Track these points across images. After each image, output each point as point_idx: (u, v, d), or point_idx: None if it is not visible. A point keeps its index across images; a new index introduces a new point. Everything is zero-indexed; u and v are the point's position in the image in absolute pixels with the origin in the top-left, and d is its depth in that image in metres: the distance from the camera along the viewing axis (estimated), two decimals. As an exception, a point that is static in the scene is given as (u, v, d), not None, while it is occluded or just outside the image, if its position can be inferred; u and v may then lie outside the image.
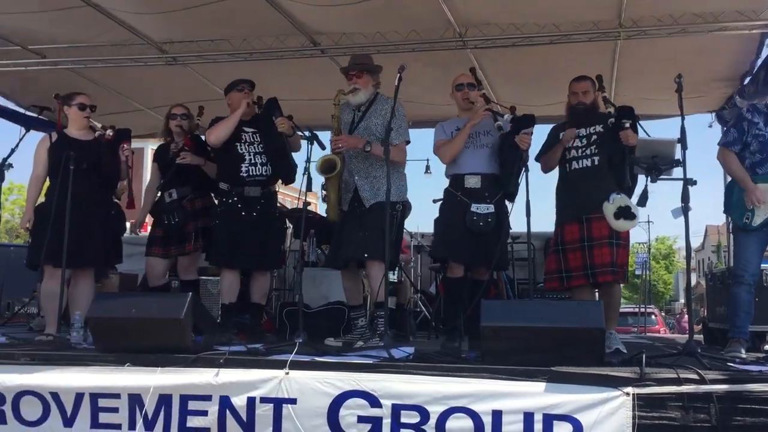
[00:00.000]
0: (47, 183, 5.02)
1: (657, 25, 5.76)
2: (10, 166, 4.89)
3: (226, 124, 5.04)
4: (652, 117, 7.50)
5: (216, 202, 5.35)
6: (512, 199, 4.76)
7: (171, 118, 5.48)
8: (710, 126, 7.47)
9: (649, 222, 34.14)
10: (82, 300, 4.80)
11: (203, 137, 5.47)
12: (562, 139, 4.76)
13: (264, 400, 3.52)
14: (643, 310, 12.36)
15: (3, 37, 6.50)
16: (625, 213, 4.47)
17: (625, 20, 5.72)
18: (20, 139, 5.16)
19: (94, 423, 3.69)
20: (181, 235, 5.29)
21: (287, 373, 3.52)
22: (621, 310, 7.75)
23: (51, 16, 6.03)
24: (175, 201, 5.32)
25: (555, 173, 4.93)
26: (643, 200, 4.48)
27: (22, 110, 7.46)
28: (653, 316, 16.74)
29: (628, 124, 4.51)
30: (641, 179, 4.56)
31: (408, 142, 4.91)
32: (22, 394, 3.78)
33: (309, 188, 4.62)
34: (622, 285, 4.93)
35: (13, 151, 4.93)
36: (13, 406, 3.78)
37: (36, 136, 5.37)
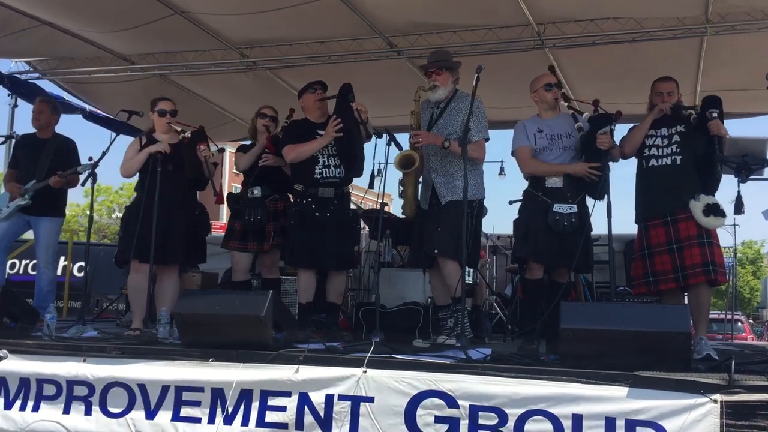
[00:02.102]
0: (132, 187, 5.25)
1: (746, 19, 5.54)
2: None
3: (310, 148, 5.05)
4: (741, 115, 7.21)
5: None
6: (597, 197, 4.58)
7: (260, 116, 5.55)
8: None
9: (735, 225, 32.68)
10: (167, 296, 5.00)
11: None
12: (653, 110, 4.59)
13: (342, 397, 3.56)
14: (729, 316, 11.86)
15: (94, 44, 6.82)
16: (714, 210, 4.31)
17: (712, 15, 5.52)
18: (111, 142, 5.40)
19: (175, 416, 3.79)
20: (260, 233, 5.37)
21: (365, 372, 3.56)
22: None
23: (136, 32, 6.32)
24: (259, 199, 5.38)
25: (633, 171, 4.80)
26: (738, 207, 4.29)
27: (112, 116, 7.80)
28: (740, 323, 16.06)
29: (716, 114, 4.35)
30: (732, 184, 4.38)
31: (487, 140, 4.84)
32: (111, 385, 3.93)
33: (372, 186, 4.66)
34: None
35: (104, 153, 5.17)
36: (101, 397, 3.93)
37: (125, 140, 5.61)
